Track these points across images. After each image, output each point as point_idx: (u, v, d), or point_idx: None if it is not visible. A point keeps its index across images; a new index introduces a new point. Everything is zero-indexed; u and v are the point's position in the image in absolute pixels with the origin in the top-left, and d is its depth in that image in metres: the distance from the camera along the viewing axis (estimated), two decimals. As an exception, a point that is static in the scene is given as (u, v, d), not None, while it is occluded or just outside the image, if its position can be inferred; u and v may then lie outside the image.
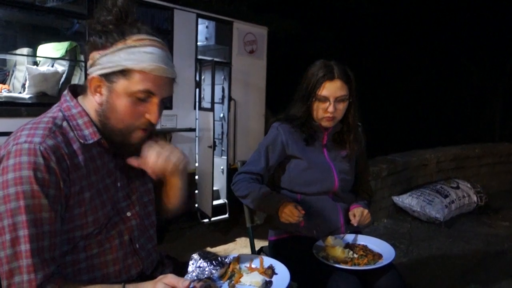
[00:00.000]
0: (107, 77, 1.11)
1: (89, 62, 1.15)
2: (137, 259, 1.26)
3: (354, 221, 1.87)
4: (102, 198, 1.17)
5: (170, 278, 1.06)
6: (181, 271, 1.30)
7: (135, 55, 1.09)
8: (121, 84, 1.11)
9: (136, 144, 1.19)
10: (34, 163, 1.01)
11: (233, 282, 1.31)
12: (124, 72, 1.10)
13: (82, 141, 1.13)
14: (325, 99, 1.87)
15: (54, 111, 1.17)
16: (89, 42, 1.15)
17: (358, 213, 1.88)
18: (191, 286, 1.05)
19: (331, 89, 1.86)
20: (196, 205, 4.62)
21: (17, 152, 1.02)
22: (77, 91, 1.23)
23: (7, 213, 1.00)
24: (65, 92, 1.21)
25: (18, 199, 1.00)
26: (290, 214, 1.71)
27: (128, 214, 1.25)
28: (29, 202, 1.00)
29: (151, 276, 1.27)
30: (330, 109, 1.86)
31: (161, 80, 1.13)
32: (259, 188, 1.87)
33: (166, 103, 1.18)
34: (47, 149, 1.03)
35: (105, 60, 1.11)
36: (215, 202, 4.61)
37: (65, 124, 1.13)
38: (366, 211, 1.90)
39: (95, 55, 1.13)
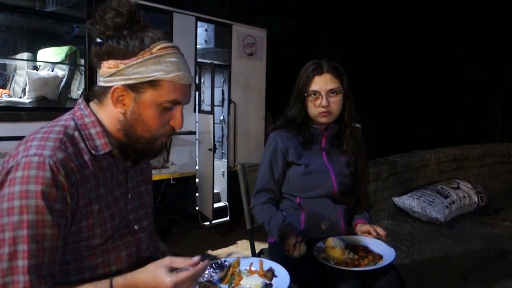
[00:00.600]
0: (134, 87, 1.10)
1: (107, 70, 1.10)
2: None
3: (381, 235, 1.84)
4: (111, 211, 1.15)
5: (166, 261, 1.05)
6: None
7: (163, 65, 1.09)
8: (149, 94, 1.10)
9: (158, 150, 1.20)
10: (42, 177, 0.99)
11: (233, 285, 1.31)
12: (153, 83, 1.09)
13: (93, 151, 1.12)
14: (317, 93, 1.89)
15: (66, 119, 1.15)
16: (103, 45, 1.11)
17: (372, 229, 1.86)
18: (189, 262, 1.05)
19: (321, 82, 1.90)
20: (197, 208, 4.63)
21: (26, 164, 1.00)
22: (89, 98, 1.20)
23: (9, 225, 0.99)
24: (80, 100, 1.19)
25: (21, 213, 0.99)
26: (287, 250, 1.70)
27: (136, 227, 1.23)
28: (32, 217, 0.99)
29: None
30: (323, 102, 1.88)
31: (185, 88, 1.14)
32: (269, 219, 1.89)
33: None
34: (57, 163, 1.01)
35: (131, 71, 1.08)
36: (216, 205, 4.60)
37: (76, 134, 1.11)
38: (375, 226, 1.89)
39: (118, 64, 1.09)
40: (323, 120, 1.93)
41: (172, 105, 1.13)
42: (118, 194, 1.18)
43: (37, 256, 1.00)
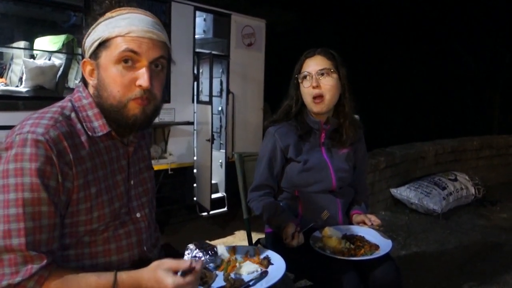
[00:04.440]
0: (94, 55, 1.11)
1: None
2: (144, 262, 1.21)
3: (374, 224, 1.84)
4: (110, 195, 1.14)
5: (169, 263, 1.04)
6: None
7: (112, 24, 1.09)
8: (104, 56, 1.09)
9: (136, 116, 1.11)
10: (36, 154, 0.99)
11: (228, 271, 1.31)
12: (104, 44, 1.09)
13: (90, 133, 1.11)
14: (307, 74, 1.87)
15: (64, 100, 1.15)
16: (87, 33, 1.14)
17: (367, 218, 1.86)
18: (192, 265, 1.03)
19: (311, 64, 1.88)
20: (195, 198, 4.63)
21: (20, 142, 1.00)
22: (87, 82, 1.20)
23: (5, 203, 0.98)
24: (79, 83, 1.20)
25: (16, 191, 0.98)
26: (285, 239, 1.68)
27: (138, 215, 1.22)
28: (28, 195, 0.98)
29: None
30: (313, 83, 1.84)
31: (141, 40, 1.08)
32: (267, 209, 1.88)
33: (158, 66, 1.14)
34: (49, 141, 1.00)
35: (89, 41, 1.11)
36: (214, 196, 4.61)
37: (73, 115, 1.10)
38: (370, 216, 1.89)
39: (84, 40, 1.13)
40: (316, 108, 1.88)
41: (129, 58, 1.08)
42: (120, 179, 1.17)
43: (33, 234, 0.99)
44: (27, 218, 0.98)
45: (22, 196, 0.98)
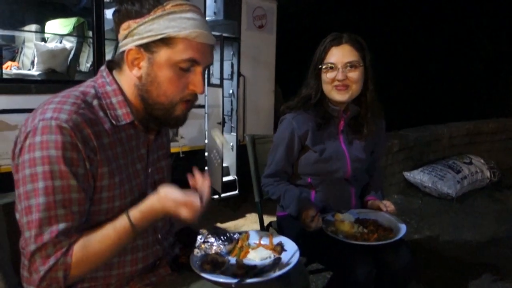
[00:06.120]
0: (147, 47, 1.05)
1: (122, 33, 1.08)
2: (158, 249, 1.23)
3: (389, 210, 1.82)
4: (131, 184, 1.13)
5: (176, 194, 1.06)
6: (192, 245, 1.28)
7: (176, 21, 1.03)
8: (163, 53, 1.05)
9: (180, 118, 1.14)
10: (62, 142, 0.96)
11: (241, 257, 1.30)
12: (166, 41, 1.04)
13: (114, 122, 1.08)
14: (333, 66, 1.76)
15: (87, 85, 1.12)
16: (120, 11, 1.07)
17: (382, 205, 1.83)
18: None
19: (338, 54, 1.76)
20: (206, 181, 4.64)
21: (44, 129, 0.97)
22: (112, 67, 1.16)
23: (35, 192, 0.97)
24: (103, 67, 1.15)
25: (45, 179, 0.96)
26: (305, 220, 1.67)
27: None
28: (57, 183, 0.97)
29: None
30: (339, 76, 1.74)
31: (204, 47, 1.08)
32: (284, 192, 1.84)
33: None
34: (73, 128, 0.98)
35: (143, 29, 1.04)
36: (225, 179, 4.62)
37: (95, 102, 1.07)
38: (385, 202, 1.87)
39: (131, 24, 1.05)
40: (338, 97, 1.79)
41: (189, 65, 1.07)
42: (140, 168, 1.16)
43: (66, 221, 0.98)
44: (59, 206, 0.97)
45: (52, 184, 0.96)
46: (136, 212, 1.06)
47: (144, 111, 1.13)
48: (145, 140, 1.19)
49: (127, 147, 1.12)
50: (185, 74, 1.08)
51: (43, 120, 0.98)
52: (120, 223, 1.05)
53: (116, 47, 1.41)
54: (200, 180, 1.11)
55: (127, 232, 1.05)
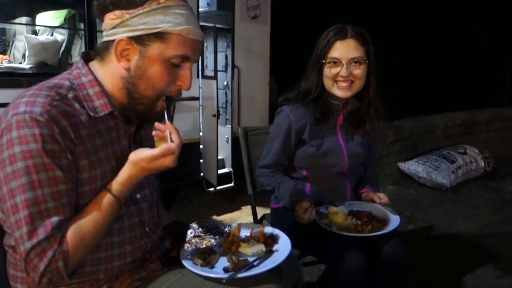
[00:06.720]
0: (139, 40, 1.03)
1: (110, 22, 1.05)
2: (146, 242, 1.21)
3: (383, 201, 1.80)
4: (113, 176, 1.10)
5: (148, 151, 1.06)
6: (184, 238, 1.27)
7: (171, 16, 1.02)
8: (156, 48, 1.03)
9: (158, 114, 1.12)
10: (40, 134, 0.94)
11: (232, 251, 1.29)
12: (160, 35, 1.02)
13: (92, 113, 1.06)
14: (337, 61, 1.71)
15: (61, 77, 1.09)
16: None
17: (376, 196, 1.81)
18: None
19: (343, 49, 1.70)
20: (202, 174, 4.63)
21: (18, 123, 0.94)
22: (90, 57, 1.14)
23: (19, 189, 0.94)
24: (78, 59, 1.13)
25: (29, 174, 0.94)
26: (298, 212, 1.66)
27: (138, 196, 1.20)
28: (43, 176, 0.95)
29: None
30: (343, 72, 1.68)
31: (195, 44, 1.07)
32: (279, 184, 1.83)
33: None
34: (49, 120, 0.95)
35: (136, 21, 1.02)
36: (220, 171, 4.60)
37: (71, 94, 1.05)
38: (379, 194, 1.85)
39: (123, 14, 1.02)
40: (341, 94, 1.74)
41: (181, 61, 1.06)
42: (123, 160, 1.13)
43: (57, 214, 0.97)
44: (48, 199, 0.95)
45: (37, 178, 0.94)
46: (116, 185, 1.07)
47: (127, 104, 1.12)
48: (126, 131, 1.17)
49: (106, 138, 1.10)
50: (175, 70, 1.08)
51: (17, 114, 0.96)
52: (105, 200, 1.05)
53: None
54: (162, 126, 1.09)
55: (113, 206, 1.06)
